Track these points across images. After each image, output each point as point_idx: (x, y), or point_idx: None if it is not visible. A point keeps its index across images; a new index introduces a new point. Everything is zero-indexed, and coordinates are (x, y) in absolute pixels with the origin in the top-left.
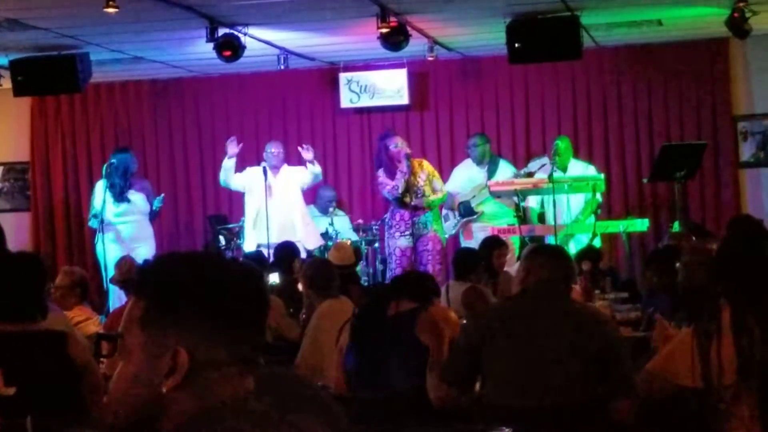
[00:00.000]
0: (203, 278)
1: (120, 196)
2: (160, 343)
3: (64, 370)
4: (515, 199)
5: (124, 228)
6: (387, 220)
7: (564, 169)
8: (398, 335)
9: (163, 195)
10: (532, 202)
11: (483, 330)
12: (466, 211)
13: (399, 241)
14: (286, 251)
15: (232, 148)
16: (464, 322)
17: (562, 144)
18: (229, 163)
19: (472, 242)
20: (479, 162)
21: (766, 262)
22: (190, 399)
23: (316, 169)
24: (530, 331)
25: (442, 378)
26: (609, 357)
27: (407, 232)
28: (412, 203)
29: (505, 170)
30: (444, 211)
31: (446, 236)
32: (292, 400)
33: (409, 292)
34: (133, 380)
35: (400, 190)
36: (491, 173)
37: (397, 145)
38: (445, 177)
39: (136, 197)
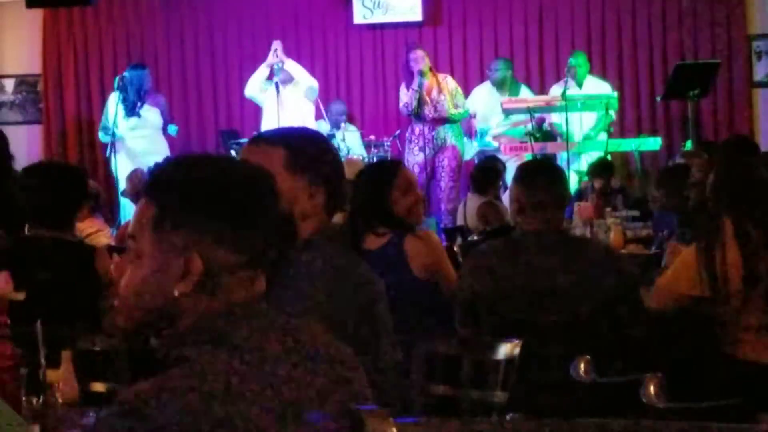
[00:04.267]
0: (213, 178)
1: (132, 111)
2: (171, 245)
3: (87, 282)
4: (530, 123)
5: (136, 143)
6: (407, 135)
7: (580, 85)
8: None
9: (177, 128)
10: (555, 119)
11: (483, 281)
12: (482, 139)
13: (418, 157)
14: None
15: (272, 57)
16: (462, 269)
17: (576, 60)
18: (263, 72)
19: None
20: (499, 86)
21: (763, 179)
22: (203, 302)
23: (291, 65)
24: (533, 279)
25: (461, 326)
26: (619, 294)
27: (426, 147)
28: (429, 115)
29: (524, 95)
30: None
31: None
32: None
33: (382, 219)
34: (144, 284)
35: (411, 108)
36: None
37: (414, 58)
38: None
39: (149, 112)
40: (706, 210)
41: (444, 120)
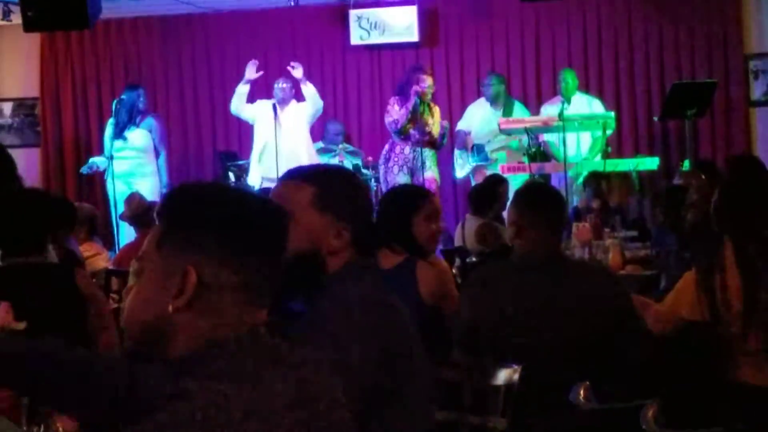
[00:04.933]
0: (223, 202)
1: (119, 133)
2: (172, 261)
3: (72, 300)
4: (526, 137)
5: (121, 164)
6: (385, 153)
7: (568, 101)
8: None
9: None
10: (547, 137)
11: (482, 305)
12: (480, 155)
13: (398, 177)
14: None
15: (251, 72)
16: (461, 294)
17: (563, 77)
18: (243, 89)
19: None
20: (493, 101)
21: (765, 198)
22: (198, 321)
23: (310, 89)
24: (532, 302)
25: (459, 349)
26: (619, 317)
27: (405, 167)
28: (415, 135)
29: (519, 113)
30: (456, 151)
31: (457, 177)
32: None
33: (401, 240)
34: (144, 302)
35: (399, 126)
36: (506, 115)
37: (422, 84)
38: (454, 115)
39: (136, 134)
40: (703, 231)
41: (427, 144)
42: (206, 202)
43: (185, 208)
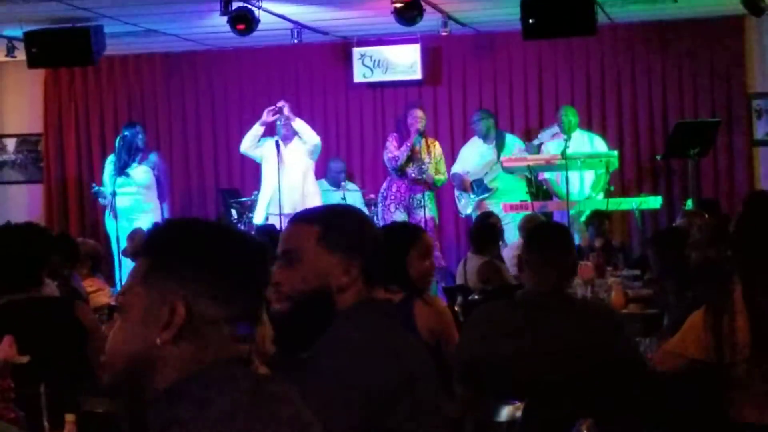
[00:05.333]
0: (209, 238)
1: (120, 170)
2: (158, 295)
3: (72, 333)
4: (527, 174)
5: (122, 201)
6: (383, 191)
7: (568, 138)
8: None
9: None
10: (548, 176)
11: (485, 343)
12: (480, 188)
13: (394, 215)
14: None
15: (268, 115)
16: (462, 333)
17: (566, 113)
18: (258, 131)
19: None
20: (484, 137)
21: None
22: (185, 353)
23: (300, 125)
24: (535, 340)
25: (463, 386)
26: (621, 356)
27: (401, 205)
28: (412, 174)
29: (512, 145)
30: (456, 192)
31: (463, 215)
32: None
33: (397, 279)
34: (129, 336)
35: (399, 162)
36: (499, 148)
37: (416, 117)
38: (457, 152)
39: (136, 171)
40: (707, 270)
41: (423, 183)
42: (193, 238)
43: (173, 244)
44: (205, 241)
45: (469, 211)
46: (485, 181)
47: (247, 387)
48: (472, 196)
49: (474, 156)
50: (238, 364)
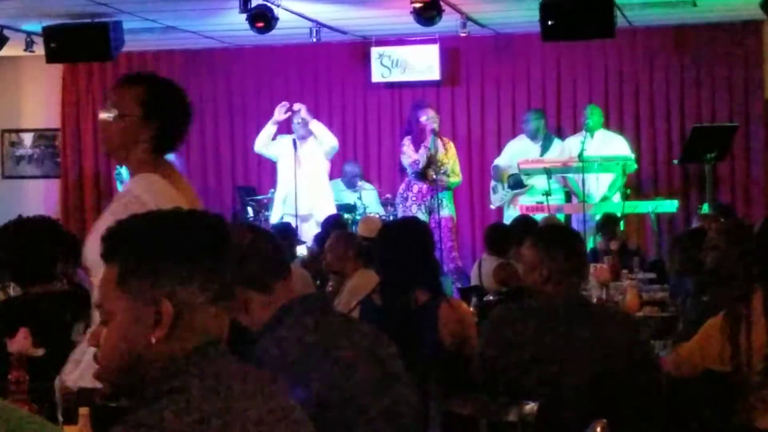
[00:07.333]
0: (171, 227)
1: None
2: (139, 296)
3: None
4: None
5: None
6: (402, 191)
7: (591, 135)
8: (419, 333)
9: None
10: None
11: (501, 345)
12: (516, 183)
13: (417, 216)
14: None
15: (280, 113)
16: (482, 334)
17: (591, 111)
18: (271, 129)
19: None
20: (533, 137)
21: None
22: (176, 343)
23: (317, 126)
24: (551, 344)
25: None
26: (636, 359)
27: (423, 206)
28: (436, 177)
29: (557, 147)
30: (492, 183)
31: (493, 206)
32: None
33: (424, 281)
34: (121, 342)
35: (421, 166)
36: (545, 149)
37: (428, 117)
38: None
39: None
40: (723, 275)
41: (442, 184)
42: (149, 232)
43: (133, 244)
44: (161, 231)
45: (500, 203)
46: (521, 177)
47: (232, 368)
48: (507, 189)
49: (516, 151)
50: (221, 344)
